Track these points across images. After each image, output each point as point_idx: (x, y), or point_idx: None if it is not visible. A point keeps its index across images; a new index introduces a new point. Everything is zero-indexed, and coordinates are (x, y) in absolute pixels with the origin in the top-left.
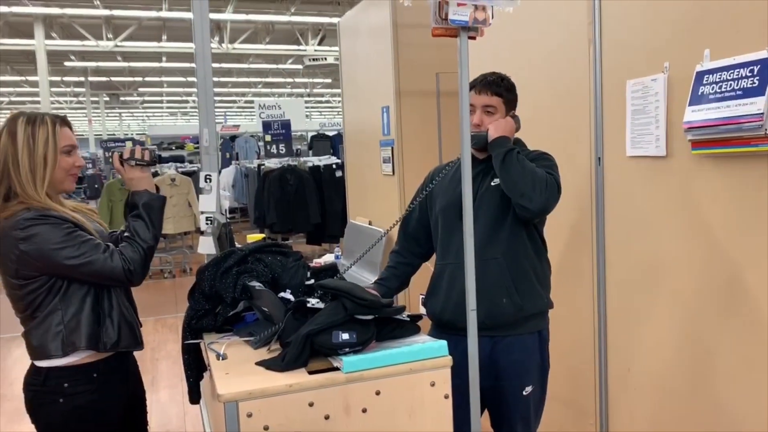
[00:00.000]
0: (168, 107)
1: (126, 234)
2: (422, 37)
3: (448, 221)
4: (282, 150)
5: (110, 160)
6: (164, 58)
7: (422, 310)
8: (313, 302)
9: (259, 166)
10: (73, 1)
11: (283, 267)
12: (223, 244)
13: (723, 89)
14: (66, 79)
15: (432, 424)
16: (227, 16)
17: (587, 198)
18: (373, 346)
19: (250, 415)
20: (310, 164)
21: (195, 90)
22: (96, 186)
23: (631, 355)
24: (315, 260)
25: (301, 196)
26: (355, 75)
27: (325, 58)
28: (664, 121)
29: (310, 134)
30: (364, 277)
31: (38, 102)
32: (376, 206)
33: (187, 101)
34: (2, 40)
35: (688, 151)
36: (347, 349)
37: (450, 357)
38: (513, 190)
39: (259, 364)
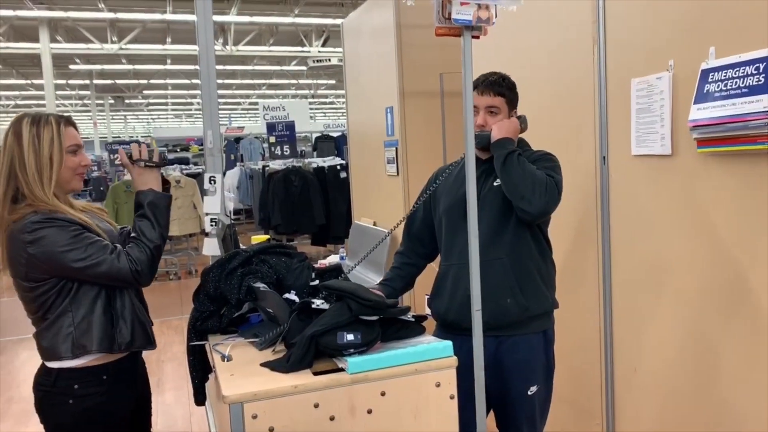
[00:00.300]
0: (173, 109)
1: (132, 234)
2: (426, 38)
3: (452, 222)
4: (286, 151)
5: (116, 162)
6: (169, 61)
7: (428, 311)
8: (318, 303)
9: (264, 167)
10: (77, 4)
11: (287, 268)
12: (228, 245)
13: (728, 87)
14: (71, 82)
15: (437, 424)
16: (231, 18)
17: (592, 197)
18: (378, 347)
19: (255, 417)
20: (314, 165)
21: (199, 92)
22: (101, 188)
23: (637, 354)
24: (320, 261)
25: (305, 198)
26: (358, 76)
27: (329, 60)
28: (669, 119)
29: (314, 135)
30: (368, 277)
31: (44, 105)
32: (381, 207)
33: (191, 103)
34: (7, 43)
35: (694, 150)
36: (352, 350)
37: (455, 357)
38: (513, 192)
39: (264, 365)
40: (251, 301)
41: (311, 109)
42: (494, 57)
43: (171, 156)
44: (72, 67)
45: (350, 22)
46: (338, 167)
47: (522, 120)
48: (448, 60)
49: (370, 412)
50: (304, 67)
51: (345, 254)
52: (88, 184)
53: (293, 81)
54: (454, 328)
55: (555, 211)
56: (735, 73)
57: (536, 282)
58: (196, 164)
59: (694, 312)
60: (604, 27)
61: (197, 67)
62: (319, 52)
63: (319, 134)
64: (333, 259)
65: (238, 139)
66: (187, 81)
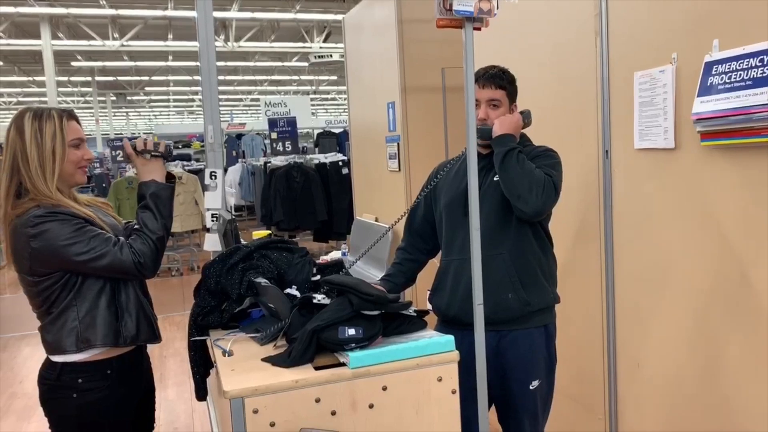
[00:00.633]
0: (174, 106)
1: (135, 226)
2: (427, 33)
3: (452, 217)
4: (288, 147)
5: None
6: (170, 57)
7: (429, 307)
8: (319, 298)
9: (266, 163)
10: (78, 0)
11: (288, 263)
12: (229, 240)
13: (732, 79)
14: (73, 79)
15: (439, 419)
16: (232, 14)
17: (595, 191)
18: (379, 342)
19: (256, 412)
20: (316, 161)
21: (201, 88)
22: (104, 185)
23: (640, 349)
24: (321, 257)
25: (307, 194)
26: (360, 71)
27: (331, 55)
28: (672, 112)
29: (316, 132)
30: (370, 273)
31: (46, 102)
32: (383, 203)
33: (193, 100)
34: (9, 40)
35: (697, 143)
36: (353, 345)
37: (457, 352)
38: (510, 190)
39: (265, 360)
40: (252, 296)
41: (313, 105)
42: (496, 50)
43: (174, 152)
44: (74, 63)
45: (351, 17)
46: (340, 163)
47: (525, 115)
48: (450, 55)
49: (371, 406)
50: (305, 63)
51: (347, 250)
52: (90, 180)
53: (295, 77)
54: (455, 323)
55: (557, 206)
56: (739, 66)
57: (537, 277)
58: (197, 161)
59: (697, 306)
60: (606, 20)
61: (198, 63)
62: (321, 48)
63: (320, 130)
64: (335, 255)
65: (239, 136)
66: (188, 77)
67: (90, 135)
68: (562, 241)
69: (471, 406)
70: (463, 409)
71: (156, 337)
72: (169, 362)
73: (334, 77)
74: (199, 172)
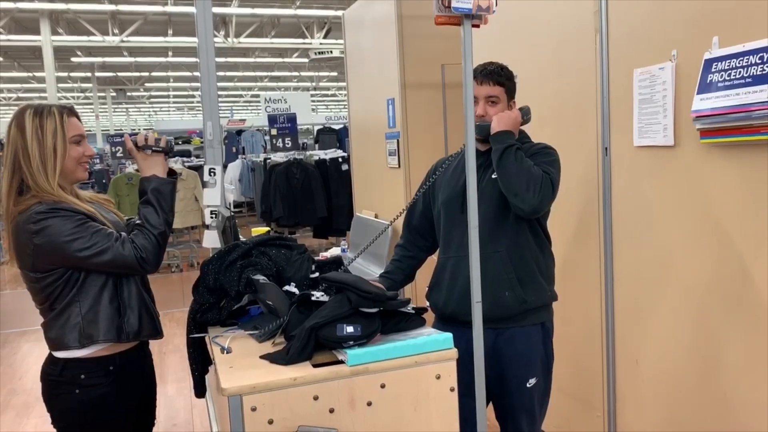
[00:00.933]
0: (174, 102)
1: (137, 222)
2: (427, 29)
3: (450, 214)
4: (288, 144)
5: (117, 154)
6: (170, 53)
7: (427, 304)
8: (318, 295)
9: (265, 160)
10: None
11: (287, 260)
12: (228, 237)
13: (732, 77)
14: (73, 74)
15: (438, 417)
16: (233, 10)
17: (594, 188)
18: (377, 339)
19: (254, 409)
20: (316, 158)
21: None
22: (104, 181)
23: (639, 346)
24: (321, 254)
25: (307, 190)
26: (360, 67)
27: (331, 51)
28: (671, 110)
29: (316, 128)
30: (370, 270)
31: (46, 98)
32: (383, 199)
33: (193, 96)
34: (8, 36)
35: (697, 141)
36: (352, 342)
37: (455, 350)
38: (507, 188)
39: (263, 357)
40: (251, 293)
41: (313, 101)
42: (495, 47)
43: (174, 149)
44: (73, 59)
45: (351, 13)
46: (340, 159)
47: (524, 111)
48: (450, 51)
49: (369, 404)
50: (305, 59)
51: (346, 246)
52: (90, 176)
53: (295, 73)
54: (452, 320)
55: (557, 203)
56: (738, 63)
57: (534, 274)
58: (197, 157)
59: (696, 304)
60: (606, 17)
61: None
62: (321, 44)
63: (320, 126)
64: (334, 251)
65: (239, 132)
66: (188, 73)
67: (90, 131)
68: (562, 238)
69: (468, 403)
70: (461, 406)
71: (158, 333)
72: (168, 358)
73: (335, 73)
74: (199, 169)
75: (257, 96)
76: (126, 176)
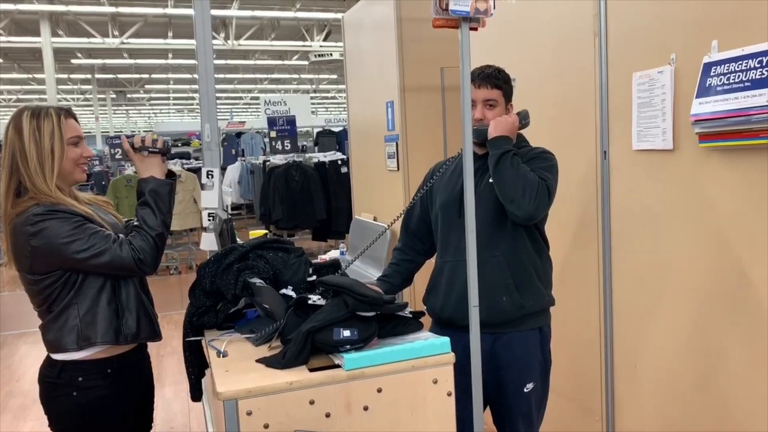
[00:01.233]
0: (174, 104)
1: (135, 223)
2: (426, 32)
3: (448, 218)
4: (287, 146)
5: (117, 156)
6: (170, 55)
7: (424, 307)
8: (315, 299)
9: (265, 162)
10: None
11: (284, 263)
12: (225, 240)
13: (731, 81)
14: (73, 76)
15: (434, 421)
16: (233, 12)
17: (593, 192)
18: (374, 343)
19: (249, 413)
20: (315, 160)
21: None
22: (103, 183)
23: (638, 351)
24: (320, 256)
25: (306, 192)
26: (359, 70)
27: (331, 54)
28: (670, 113)
29: (315, 130)
30: (368, 273)
31: (45, 99)
32: (381, 202)
33: (193, 98)
34: (9, 37)
35: (696, 145)
36: (348, 346)
37: (453, 354)
38: (504, 194)
39: (259, 361)
40: (247, 296)
41: (313, 103)
42: (494, 50)
43: (172, 150)
44: (73, 61)
45: (351, 16)
46: (339, 162)
47: (523, 115)
48: (449, 54)
49: (366, 408)
50: (305, 62)
51: (345, 249)
52: (90, 178)
53: (295, 75)
54: (449, 325)
55: (555, 207)
56: (737, 67)
57: (532, 279)
58: (197, 159)
59: (696, 309)
60: (605, 20)
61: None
62: (321, 46)
63: (320, 129)
64: (333, 254)
65: (239, 134)
66: (188, 75)
67: (90, 133)
68: (560, 242)
69: (466, 408)
70: (458, 410)
71: (157, 335)
72: (166, 361)
73: (335, 76)
74: (198, 171)
75: (257, 98)
76: (125, 178)
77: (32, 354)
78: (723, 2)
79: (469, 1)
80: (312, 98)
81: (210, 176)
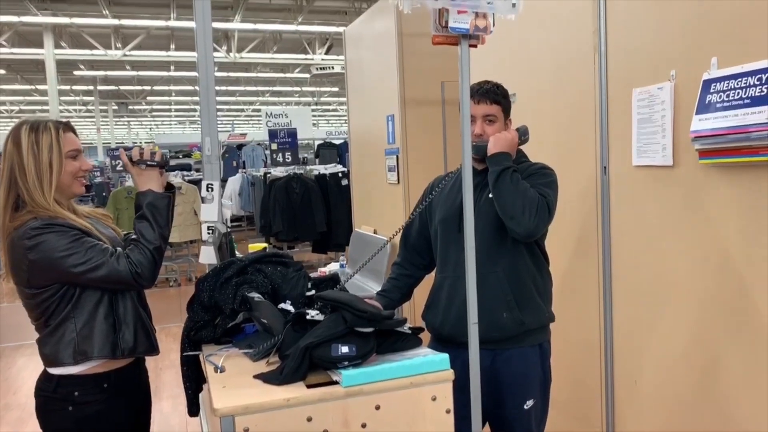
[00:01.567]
0: (176, 116)
1: (133, 237)
2: (427, 46)
3: (447, 233)
4: (288, 158)
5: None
6: (172, 67)
7: (422, 323)
8: (313, 314)
9: (266, 174)
10: (81, 10)
11: (283, 277)
12: (224, 254)
13: (730, 98)
14: (75, 88)
15: None
16: (235, 25)
17: (593, 208)
18: (373, 360)
19: (246, 430)
20: (316, 173)
21: None
22: (104, 194)
23: (638, 367)
24: (320, 269)
25: (307, 205)
26: (360, 84)
27: (332, 67)
28: (670, 130)
29: (316, 142)
30: (368, 286)
31: (48, 111)
32: (382, 215)
33: (195, 110)
34: (12, 49)
35: (696, 161)
36: (346, 363)
37: (452, 371)
38: (503, 211)
39: (257, 377)
40: (246, 311)
41: (314, 116)
42: (494, 66)
43: (173, 162)
44: (76, 72)
45: (352, 30)
46: (340, 174)
47: (522, 131)
48: (449, 68)
49: (364, 426)
50: (307, 75)
51: (345, 262)
52: (90, 189)
53: (296, 88)
54: (449, 341)
55: (555, 222)
56: (737, 84)
57: (532, 295)
58: (198, 170)
59: (696, 324)
60: (605, 36)
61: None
62: (323, 59)
63: (321, 141)
64: (333, 266)
65: (240, 146)
66: (190, 87)
67: (91, 144)
68: (560, 257)
69: (465, 425)
70: (457, 427)
71: (154, 349)
72: (164, 374)
73: (336, 89)
74: (199, 183)
75: (258, 110)
76: (126, 189)
77: (30, 366)
78: (722, 20)
79: (469, 19)
80: (313, 111)
81: (210, 189)
